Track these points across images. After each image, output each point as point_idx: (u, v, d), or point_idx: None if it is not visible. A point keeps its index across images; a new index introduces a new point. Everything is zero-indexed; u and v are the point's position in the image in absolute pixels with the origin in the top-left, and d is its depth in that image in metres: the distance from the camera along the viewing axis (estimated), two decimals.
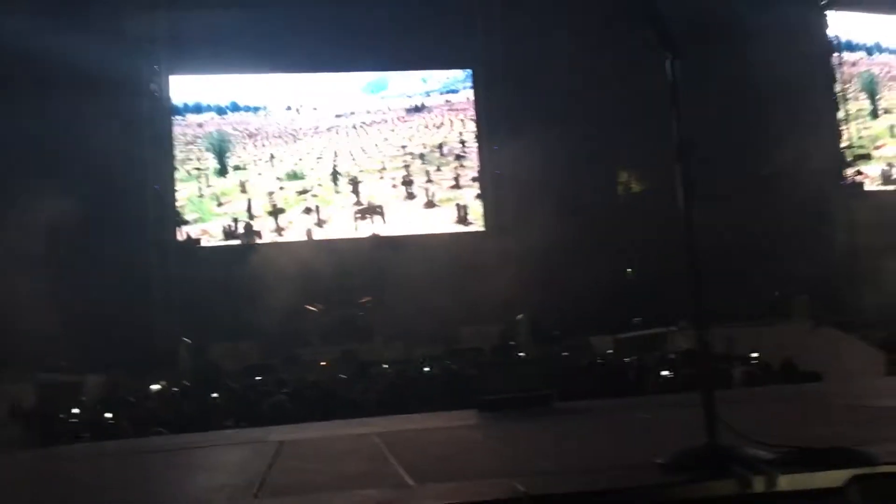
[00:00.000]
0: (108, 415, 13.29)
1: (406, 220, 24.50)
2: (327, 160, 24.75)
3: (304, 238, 23.97)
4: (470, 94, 25.49)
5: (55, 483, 6.02)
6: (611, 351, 17.14)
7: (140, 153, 22.71)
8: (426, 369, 16.26)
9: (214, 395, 13.78)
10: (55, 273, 19.33)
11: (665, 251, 21.10)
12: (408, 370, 16.63)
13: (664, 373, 13.25)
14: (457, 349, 19.48)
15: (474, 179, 25.08)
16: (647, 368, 14.75)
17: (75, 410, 14.08)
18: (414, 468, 4.80)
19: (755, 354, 13.51)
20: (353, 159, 24.87)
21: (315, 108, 24.91)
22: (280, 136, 24.75)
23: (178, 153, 24.17)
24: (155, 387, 15.61)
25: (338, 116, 25.02)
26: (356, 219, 24.44)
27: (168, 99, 23.98)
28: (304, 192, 24.49)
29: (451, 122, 25.53)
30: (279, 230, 24.07)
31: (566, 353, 16.80)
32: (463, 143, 25.39)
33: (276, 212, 24.26)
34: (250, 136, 24.71)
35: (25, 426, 13.45)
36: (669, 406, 9.02)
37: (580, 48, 22.06)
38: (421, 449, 5.91)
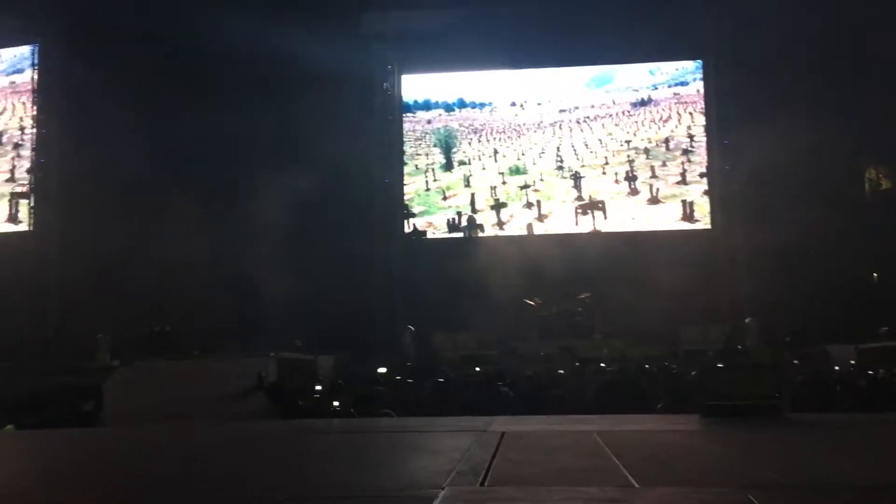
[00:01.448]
0: (335, 403, 14.13)
1: (629, 216, 24.00)
2: (550, 155, 24.79)
3: (525, 232, 24.18)
4: (700, 86, 24.47)
5: (292, 452, 6.52)
6: (853, 362, 15.79)
7: (372, 148, 23.94)
8: (647, 367, 15.86)
9: (439, 380, 14.22)
10: (292, 259, 20.82)
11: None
12: (627, 369, 16.31)
13: None
14: (678, 350, 18.83)
15: (702, 175, 24.07)
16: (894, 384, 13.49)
17: (318, 387, 15.13)
18: (637, 469, 4.72)
19: None
20: (576, 154, 24.73)
21: (539, 104, 25.03)
22: (504, 132, 25.12)
23: (407, 149, 25.24)
24: (381, 370, 16.37)
25: (561, 111, 24.98)
26: (577, 214, 24.29)
27: (399, 97, 25.09)
28: (526, 186, 24.70)
29: (679, 115, 24.65)
30: (501, 224, 24.46)
31: (797, 362, 15.72)
32: (691, 137, 24.44)
33: (498, 206, 24.67)
34: (475, 131, 25.29)
35: (269, 397, 14.63)
36: None
37: (819, 33, 20.54)
38: (643, 450, 5.79)
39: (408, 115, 25.24)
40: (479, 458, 5.35)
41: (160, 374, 15.22)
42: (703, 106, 24.34)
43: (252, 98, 22.09)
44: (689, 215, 23.92)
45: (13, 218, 24.37)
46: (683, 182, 24.18)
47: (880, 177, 22.77)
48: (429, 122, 25.35)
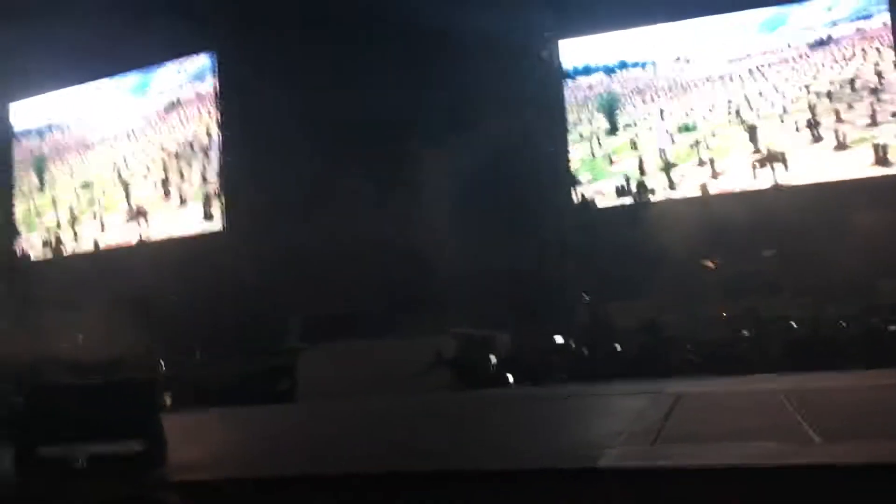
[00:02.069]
0: (509, 376, 14.28)
1: (813, 165, 22.45)
2: (721, 109, 23.62)
3: (699, 192, 23.23)
4: (886, 18, 22.40)
5: (473, 422, 6.69)
6: None
7: (534, 118, 23.76)
8: (842, 324, 14.96)
9: (610, 348, 14.11)
10: (465, 236, 21.12)
11: None
12: (818, 325, 15.44)
13: None
14: (877, 305, 17.50)
15: (895, 115, 22.10)
16: None
17: (492, 359, 15.41)
18: (822, 426, 4.46)
19: None
20: (750, 105, 23.39)
21: (706, 56, 23.86)
22: (670, 89, 24.18)
23: (570, 116, 24.86)
24: (558, 339, 16.39)
25: (731, 62, 23.69)
26: (754, 168, 23.02)
27: (559, 64, 24.74)
28: (697, 144, 23.69)
29: (865, 52, 22.68)
30: (672, 185, 23.63)
31: None
32: (879, 74, 22.46)
33: (667, 167, 23.83)
34: (639, 92, 24.51)
35: (449, 374, 15.05)
36: None
37: None
38: (832, 407, 5.46)
39: (567, 81, 24.84)
40: (651, 418, 5.27)
41: (345, 354, 16.01)
42: (893, 39, 22.29)
43: (412, 74, 22.46)
44: (882, 159, 22.03)
45: (207, 216, 26.33)
46: (874, 124, 22.29)
47: None
48: (590, 87, 24.83)
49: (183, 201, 26.88)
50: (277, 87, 22.57)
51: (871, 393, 6.46)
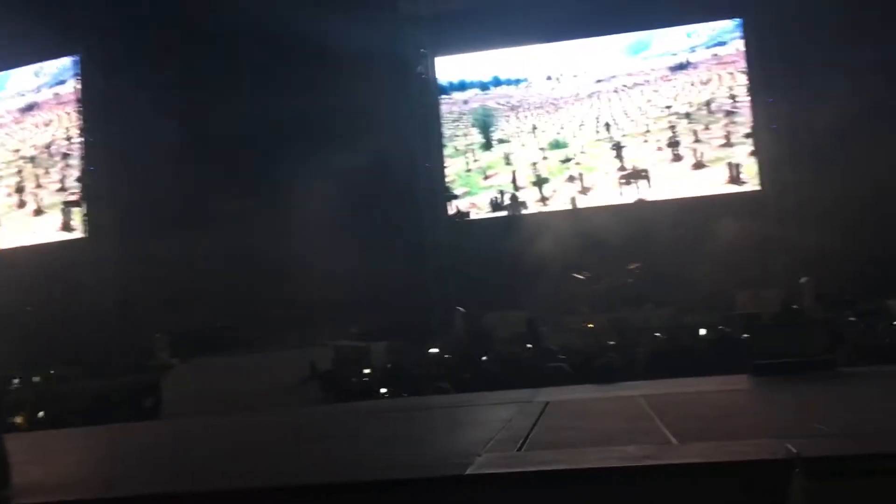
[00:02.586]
0: (384, 390, 14.26)
1: (674, 183, 23.63)
2: (590, 127, 24.51)
3: (569, 206, 23.99)
4: (739, 44, 23.88)
5: (343, 435, 6.62)
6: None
7: (411, 133, 23.98)
8: (702, 332, 15.70)
9: (483, 359, 14.29)
10: (341, 249, 21.02)
11: None
12: (679, 336, 16.15)
13: None
14: (732, 315, 18.52)
15: (747, 136, 23.55)
16: None
17: (366, 371, 15.34)
18: (678, 428, 4.68)
19: None
20: (616, 124, 24.40)
21: (575, 76, 24.73)
22: (542, 107, 24.89)
23: (446, 130, 25.18)
24: (432, 351, 16.50)
25: (598, 81, 24.64)
26: (621, 184, 24.01)
27: (435, 79, 25.03)
28: (568, 160, 24.48)
29: (720, 76, 24.11)
30: (544, 200, 24.31)
31: (854, 319, 15.39)
32: (733, 97, 23.90)
33: (540, 182, 24.50)
34: (512, 108, 25.11)
35: (322, 385, 14.88)
36: None
37: None
38: (687, 411, 5.74)
39: (443, 96, 25.17)
40: (519, 426, 5.37)
41: (216, 369, 15.58)
42: (745, 65, 23.76)
43: (288, 88, 22.26)
44: (735, 178, 23.45)
45: (67, 226, 25.05)
46: (728, 144, 23.69)
47: None
48: (465, 102, 25.24)
49: (39, 210, 25.51)
50: (139, 89, 21.80)
51: (722, 397, 6.83)
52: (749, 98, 23.58)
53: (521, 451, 4.49)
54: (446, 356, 16.10)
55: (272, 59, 22.44)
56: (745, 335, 14.05)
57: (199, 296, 21.03)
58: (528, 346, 16.26)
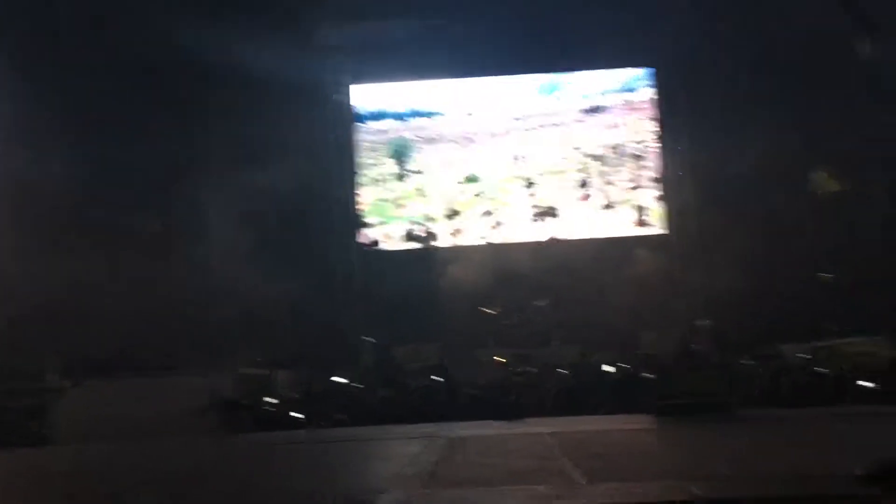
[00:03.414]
0: (296, 413, 14.00)
1: (583, 222, 24.15)
2: (503, 163, 24.85)
3: (482, 240, 24.20)
4: (650, 92, 24.73)
5: (247, 468, 6.40)
6: (807, 358, 16.08)
7: (325, 161, 23.80)
8: (606, 369, 15.98)
9: (392, 391, 14.19)
10: (248, 275, 20.62)
11: (865, 256, 19.72)
12: (584, 374, 16.40)
13: (863, 383, 12.33)
14: (636, 354, 18.93)
15: (655, 180, 24.32)
16: (844, 378, 13.78)
17: (270, 400, 14.97)
18: (586, 468, 4.70)
19: None
20: (529, 161, 24.82)
21: (491, 112, 25.09)
22: (457, 141, 25.12)
23: (361, 159, 25.09)
24: (339, 381, 16.27)
25: (514, 119, 25.06)
26: (533, 221, 24.38)
27: (351, 107, 24.96)
28: (481, 194, 24.73)
29: (630, 121, 24.87)
30: (456, 232, 24.44)
31: (751, 362, 15.95)
32: (642, 142, 24.69)
33: (453, 214, 24.65)
34: (428, 141, 25.23)
35: (224, 415, 14.45)
36: (866, 418, 8.34)
37: (770, 42, 20.96)
38: (594, 449, 5.78)
39: (360, 125, 25.11)
40: (425, 462, 5.30)
41: (111, 393, 14.95)
42: (654, 112, 24.59)
43: (199, 115, 21.88)
44: (642, 220, 24.15)
45: None
46: (636, 187, 24.40)
47: (830, 180, 23.20)
48: (381, 131, 25.26)
49: None
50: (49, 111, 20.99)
51: (626, 436, 6.90)
52: (658, 144, 24.39)
53: (427, 488, 4.41)
54: (354, 386, 15.90)
55: (189, 82, 21.96)
56: (648, 375, 14.40)
57: (95, 318, 20.20)
58: (437, 378, 16.21)
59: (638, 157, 24.56)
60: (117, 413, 13.24)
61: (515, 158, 24.76)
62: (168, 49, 20.54)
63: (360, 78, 24.80)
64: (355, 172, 24.87)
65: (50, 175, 20.74)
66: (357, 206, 24.75)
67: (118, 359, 18.86)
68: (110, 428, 12.76)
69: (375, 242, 24.67)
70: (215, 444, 9.04)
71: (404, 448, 6.30)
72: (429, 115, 25.19)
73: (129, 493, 5.19)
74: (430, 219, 24.58)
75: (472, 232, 24.42)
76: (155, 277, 20.96)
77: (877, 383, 12.90)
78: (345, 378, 17.16)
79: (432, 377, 16.28)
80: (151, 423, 12.61)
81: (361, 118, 25.13)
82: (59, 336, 19.23)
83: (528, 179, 24.55)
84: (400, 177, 25.02)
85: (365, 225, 24.70)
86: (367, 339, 20.85)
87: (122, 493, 5.18)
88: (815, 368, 14.29)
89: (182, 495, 4.83)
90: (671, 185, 23.99)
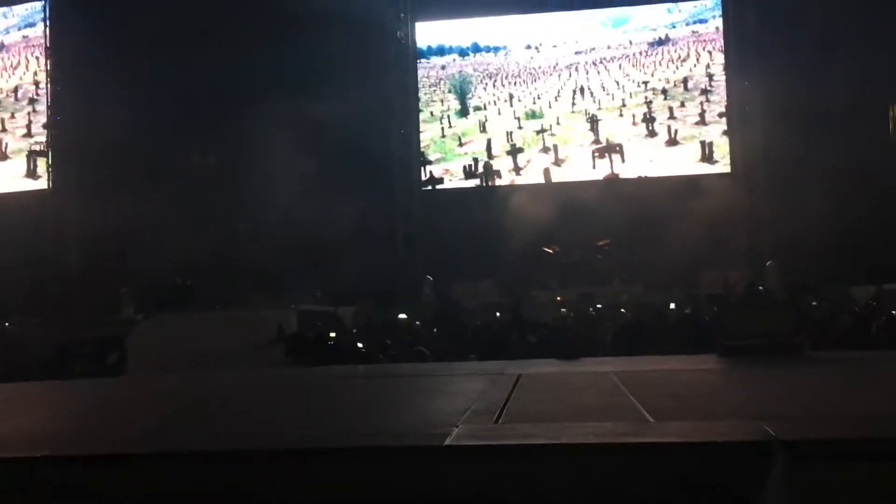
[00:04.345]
0: (360, 344, 14.27)
1: (647, 158, 23.73)
2: (566, 98, 24.46)
3: (542, 178, 24.01)
4: (719, 23, 23.93)
5: (315, 399, 6.57)
6: (874, 302, 15.70)
7: (387, 96, 23.78)
8: (670, 308, 15.87)
9: (451, 328, 14.32)
10: (311, 211, 20.89)
11: None
12: (646, 313, 16.31)
13: None
14: (700, 294, 18.74)
15: (721, 115, 23.69)
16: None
17: (332, 335, 15.25)
18: (653, 406, 4.71)
19: None
20: (593, 97, 24.38)
21: (555, 46, 24.62)
22: (519, 76, 24.79)
23: (422, 95, 24.99)
24: (401, 316, 16.50)
25: (577, 53, 24.57)
26: (595, 158, 24.05)
27: (413, 43, 24.78)
28: (543, 130, 24.44)
29: (698, 54, 24.16)
30: (517, 169, 24.29)
31: (816, 303, 15.64)
32: (710, 76, 23.99)
33: (514, 151, 24.47)
34: (490, 76, 24.97)
35: (289, 348, 14.79)
36: None
37: None
38: (659, 389, 5.78)
39: (422, 61, 24.94)
40: (494, 398, 5.37)
41: (182, 326, 15.39)
42: (722, 44, 23.84)
43: (263, 47, 21.94)
44: (708, 156, 23.64)
45: (32, 174, 24.55)
46: (703, 123, 23.82)
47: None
48: (443, 67, 25.05)
49: (3, 155, 24.94)
50: (111, 39, 21.28)
51: (692, 376, 6.89)
52: (725, 77, 23.69)
53: (497, 423, 4.48)
54: (416, 323, 16.11)
55: (245, 20, 22.03)
56: (712, 315, 14.26)
57: (161, 252, 20.78)
58: (498, 315, 16.32)
59: (705, 91, 23.90)
60: (189, 346, 13.65)
61: (579, 93, 24.34)
62: None
63: (422, 14, 24.57)
64: (418, 109, 24.80)
65: (111, 116, 21.17)
66: (418, 142, 24.73)
67: (184, 292, 19.41)
68: (180, 360, 13.18)
69: (437, 179, 24.68)
70: (287, 377, 9.30)
71: (471, 384, 6.39)
72: (491, 49, 24.87)
73: (186, 416, 5.41)
74: (492, 155, 24.45)
75: (533, 168, 24.23)
76: (216, 211, 21.38)
77: None
78: (405, 314, 17.41)
79: (493, 315, 16.42)
80: (218, 356, 12.98)
81: (424, 54, 24.93)
82: (134, 271, 19.85)
83: (591, 115, 24.14)
84: (462, 113, 24.86)
85: (427, 161, 24.69)
86: (427, 276, 21.04)
87: (176, 418, 5.40)
88: (882, 310, 13.95)
89: (268, 426, 5.01)
90: (738, 121, 23.35)
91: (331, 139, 21.29)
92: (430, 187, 24.66)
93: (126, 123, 21.27)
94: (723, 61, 23.83)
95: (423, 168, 24.68)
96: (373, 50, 23.30)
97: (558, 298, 18.49)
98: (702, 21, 24.22)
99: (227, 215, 21.72)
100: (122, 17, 22.14)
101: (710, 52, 24.06)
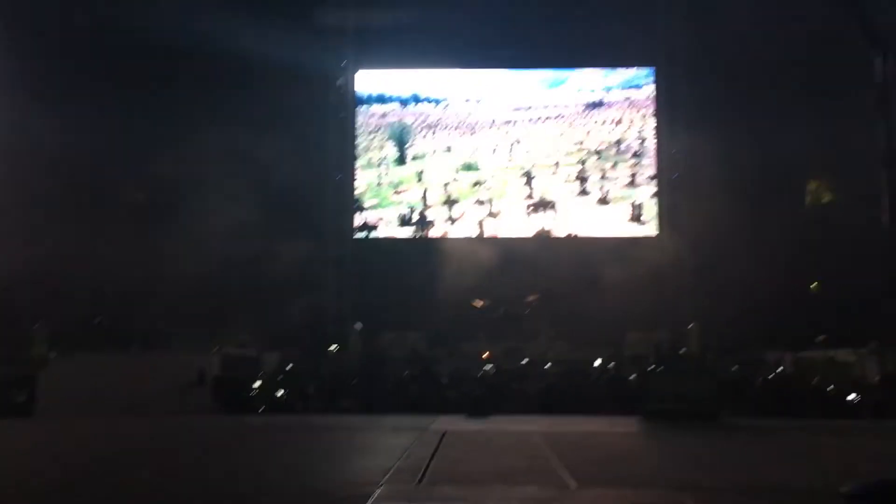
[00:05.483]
0: (281, 391, 13.98)
1: (578, 216, 24.17)
2: (503, 153, 24.82)
3: (477, 230, 24.19)
4: (652, 89, 24.72)
5: (236, 454, 6.38)
6: (788, 369, 16.16)
7: (325, 143, 23.77)
8: (593, 366, 16.01)
9: (380, 380, 14.19)
10: (242, 255, 20.59)
11: (858, 266, 19.66)
12: (571, 371, 16.44)
13: (850, 397, 12.41)
14: (622, 354, 18.98)
15: (651, 178, 24.35)
16: (827, 391, 13.85)
17: (256, 384, 14.89)
18: (575, 470, 4.72)
19: None
20: (528, 153, 24.80)
21: (493, 102, 25.03)
22: (458, 128, 25.06)
23: (361, 142, 25.01)
24: (327, 364, 16.26)
25: (515, 110, 25.01)
26: (528, 213, 24.37)
27: (353, 91, 24.89)
28: (478, 183, 24.70)
29: (632, 118, 24.85)
30: (452, 220, 24.41)
31: (737, 368, 16.00)
32: (642, 140, 24.68)
33: (450, 202, 24.62)
34: (429, 126, 25.17)
35: (211, 393, 14.41)
36: (853, 432, 8.40)
37: (773, 42, 20.94)
38: (583, 452, 5.80)
39: (362, 108, 25.03)
40: (418, 455, 5.31)
41: (98, 366, 14.85)
42: (655, 110, 24.58)
43: (201, 86, 21.76)
44: (637, 217, 24.18)
45: None
46: (633, 184, 24.41)
47: (822, 191, 23.24)
48: (383, 115, 25.15)
49: None
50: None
51: (615, 440, 6.93)
52: (656, 142, 24.40)
53: (420, 483, 4.42)
54: (341, 372, 15.90)
55: (192, 61, 21.85)
56: (635, 377, 14.44)
57: (84, 291, 20.14)
58: (423, 368, 16.20)
59: (636, 154, 24.57)
60: (104, 387, 13.17)
61: (516, 148, 24.73)
62: (174, 29, 20.45)
63: (364, 63, 24.74)
64: (354, 155, 24.82)
65: (41, 149, 20.61)
66: (354, 189, 24.68)
67: (105, 332, 18.81)
68: (93, 402, 12.69)
69: (371, 226, 24.62)
70: (199, 426, 9.03)
71: (394, 440, 6.31)
72: (432, 101, 25.12)
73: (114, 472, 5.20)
74: (427, 205, 24.55)
75: (468, 219, 24.39)
76: (148, 254, 20.93)
77: (859, 396, 13.00)
78: (330, 362, 17.17)
79: (417, 367, 16.29)
80: (139, 400, 12.55)
81: (365, 101, 25.05)
82: (48, 308, 19.12)
83: (526, 171, 24.53)
84: (400, 161, 24.97)
85: (361, 208, 24.64)
86: (355, 324, 20.84)
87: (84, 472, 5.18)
88: (799, 378, 14.38)
89: (165, 479, 4.84)
90: (667, 185, 24.02)
91: (265, 182, 21.13)
92: (363, 234, 24.57)
93: (46, 153, 20.67)
94: (654, 126, 24.56)
95: (357, 214, 24.60)
96: (313, 95, 23.29)
97: (485, 354, 18.46)
98: (636, 87, 24.96)
99: (154, 254, 21.23)
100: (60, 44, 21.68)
101: (643, 117, 24.75)
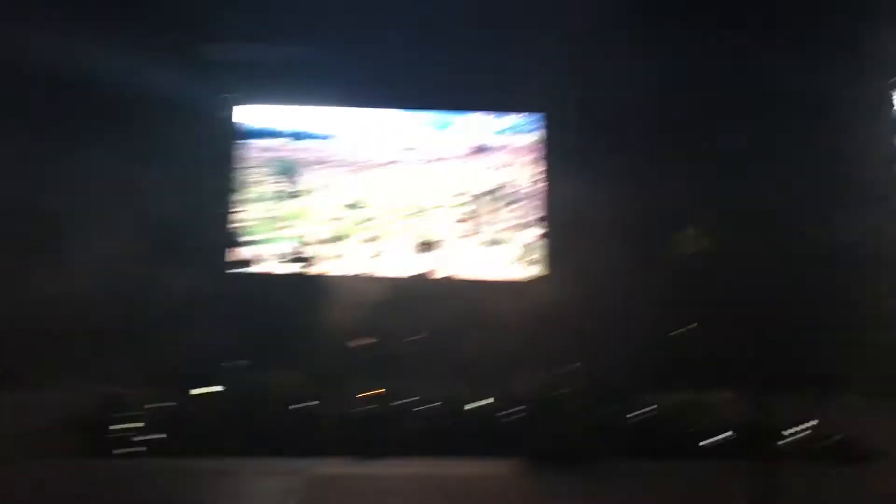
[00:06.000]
0: (151, 434, 13.28)
1: (465, 257, 24.29)
2: (390, 192, 24.77)
3: (361, 268, 23.96)
4: (541, 135, 25.26)
5: (100, 499, 5.88)
6: (656, 409, 16.60)
7: (206, 178, 23.17)
8: (474, 407, 15.98)
9: (253, 420, 13.72)
10: (117, 290, 19.76)
11: (736, 312, 20.48)
12: (451, 411, 16.35)
13: (716, 438, 12.83)
14: (505, 395, 19.02)
15: (540, 220, 24.78)
16: (696, 432, 14.28)
17: (125, 425, 14.13)
18: None
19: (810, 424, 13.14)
20: (416, 193, 24.83)
21: (381, 140, 25.01)
22: (345, 164, 24.87)
23: (244, 176, 24.47)
24: (200, 403, 15.67)
25: (404, 150, 25.06)
26: (415, 252, 24.34)
27: (237, 125, 24.39)
28: (365, 221, 24.51)
29: (522, 161, 25.28)
30: (337, 258, 24.09)
31: (619, 408, 16.29)
32: (532, 182, 25.13)
33: (333, 239, 24.31)
34: (316, 162, 24.88)
35: (73, 436, 13.52)
36: (720, 473, 8.54)
37: (658, 94, 21.85)
38: (460, 496, 5.63)
39: (245, 142, 24.52)
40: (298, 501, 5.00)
41: None
42: (543, 154, 25.10)
43: (80, 127, 21.00)
44: (524, 259, 24.52)
45: None
46: (522, 226, 24.77)
47: (699, 239, 24.14)
48: (267, 149, 24.71)
49: None
50: None
51: (493, 484, 6.80)
52: (545, 185, 24.87)
53: None
54: (216, 411, 15.28)
55: (64, 92, 21.03)
56: (519, 418, 14.47)
57: None
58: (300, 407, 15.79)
59: (526, 197, 24.97)
60: None
61: (403, 188, 24.72)
62: (45, 58, 19.72)
63: (246, 98, 24.33)
64: (233, 190, 24.21)
65: None
66: (232, 224, 24.04)
67: None
68: None
69: (250, 261, 23.99)
70: (59, 469, 8.38)
71: (269, 484, 5.97)
72: (318, 137, 24.87)
73: None
74: (309, 242, 24.15)
75: (353, 257, 24.13)
76: (10, 284, 19.78)
77: (730, 436, 13.48)
78: (204, 402, 16.50)
79: (294, 406, 15.88)
80: None
81: (249, 135, 24.54)
82: None
83: (414, 210, 24.53)
84: (281, 197, 24.51)
85: (239, 244, 23.99)
86: (230, 362, 20.14)
87: None
88: (674, 420, 14.78)
89: None
90: (554, 228, 24.47)
91: (144, 216, 20.44)
92: (243, 269, 23.91)
93: None
94: (543, 170, 25.05)
95: (236, 249, 23.94)
96: (194, 128, 22.72)
97: (366, 393, 18.15)
98: (526, 131, 25.46)
99: (20, 290, 20.05)
100: None
101: (532, 161, 25.23)
